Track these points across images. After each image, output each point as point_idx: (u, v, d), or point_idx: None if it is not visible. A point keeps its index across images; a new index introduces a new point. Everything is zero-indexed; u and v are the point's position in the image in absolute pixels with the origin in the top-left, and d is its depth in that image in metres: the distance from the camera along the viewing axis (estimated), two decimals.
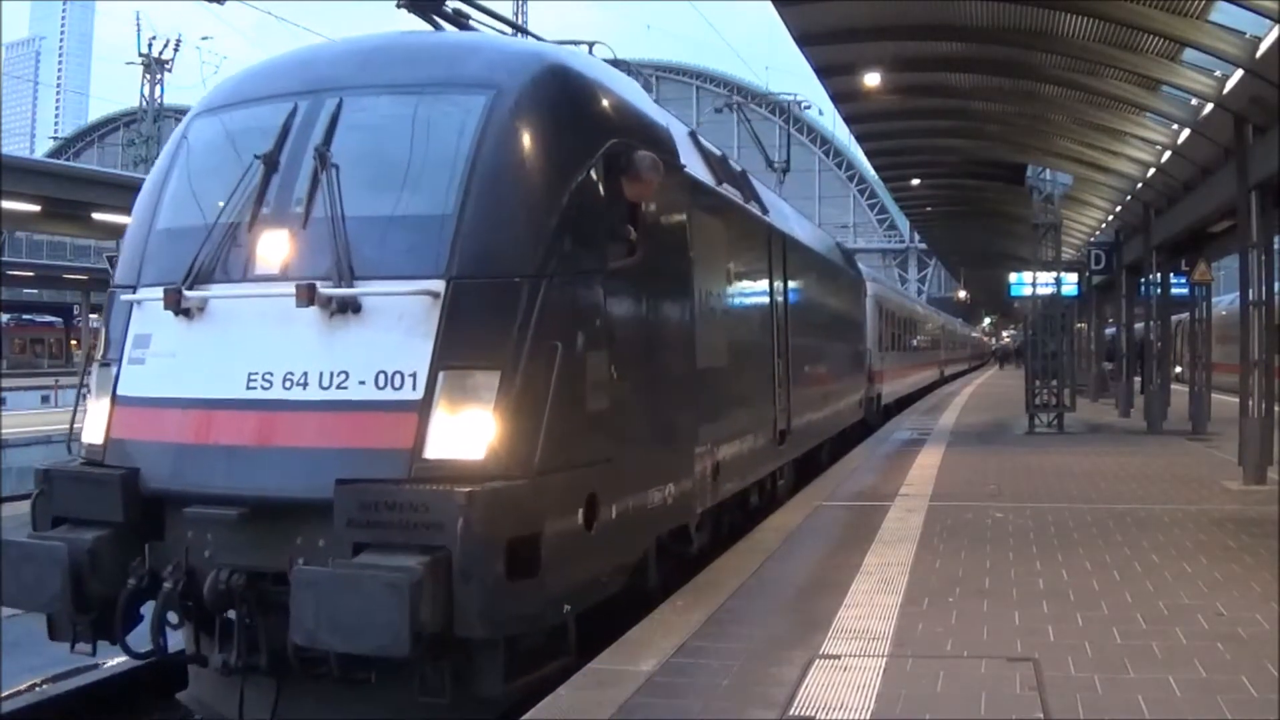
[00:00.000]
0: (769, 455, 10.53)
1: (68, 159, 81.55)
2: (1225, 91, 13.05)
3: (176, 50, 52.77)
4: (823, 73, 16.33)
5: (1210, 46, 12.13)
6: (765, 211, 11.06)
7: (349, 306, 5.56)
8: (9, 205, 24.78)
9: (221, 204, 6.06)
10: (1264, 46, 11.36)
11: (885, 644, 5.90)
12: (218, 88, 7.03)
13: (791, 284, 11.99)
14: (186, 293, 5.83)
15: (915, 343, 34.39)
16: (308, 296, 5.49)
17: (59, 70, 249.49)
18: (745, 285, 9.83)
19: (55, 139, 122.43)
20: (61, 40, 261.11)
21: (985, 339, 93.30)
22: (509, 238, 5.75)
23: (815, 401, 13.56)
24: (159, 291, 5.90)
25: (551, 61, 6.50)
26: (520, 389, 5.43)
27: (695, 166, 8.33)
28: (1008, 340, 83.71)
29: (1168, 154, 17.27)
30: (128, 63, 53.55)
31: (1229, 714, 4.72)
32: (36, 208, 26.98)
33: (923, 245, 68.45)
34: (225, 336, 5.80)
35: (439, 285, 5.52)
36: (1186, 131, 15.60)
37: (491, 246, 5.70)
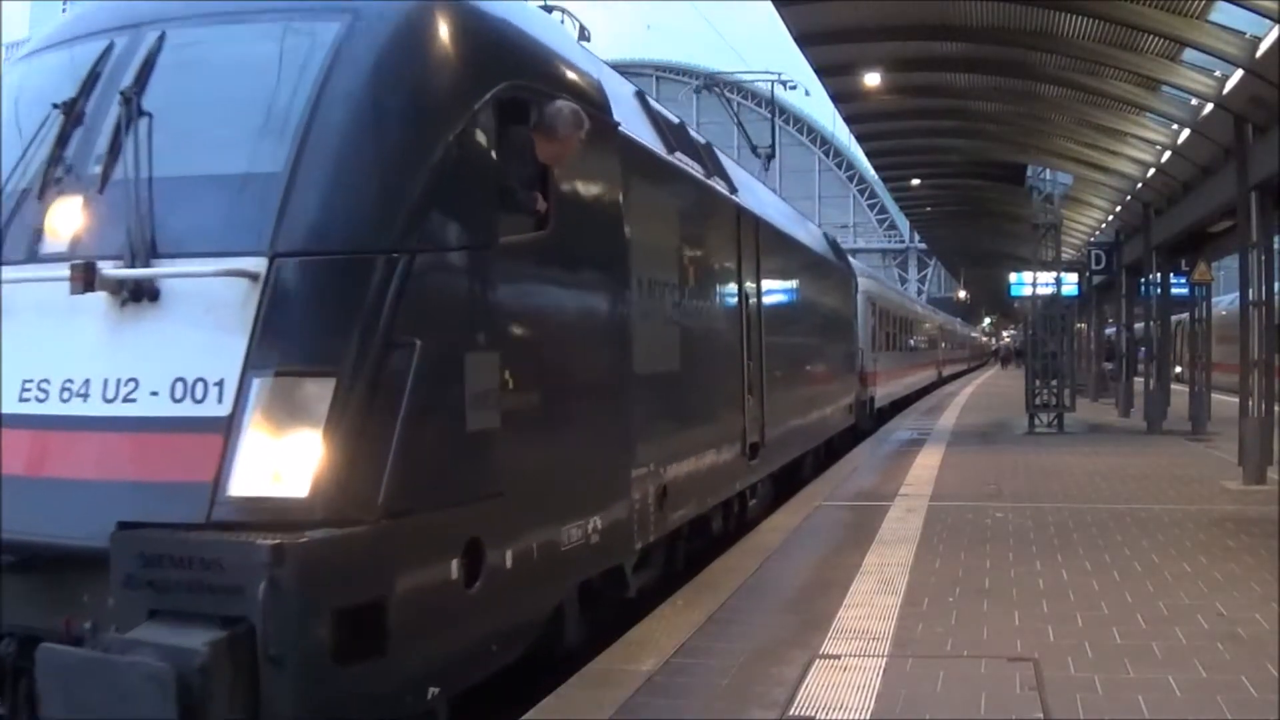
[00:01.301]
0: (736, 472, 9.24)
1: None
2: (1225, 91, 13.05)
3: None
4: (823, 73, 16.35)
5: (1210, 46, 12.14)
6: (733, 190, 9.61)
7: (144, 293, 4.29)
8: None
9: (13, 166, 4.83)
10: (1264, 46, 11.37)
11: (885, 644, 5.89)
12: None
13: (767, 275, 10.57)
14: None
15: (912, 342, 33.13)
16: (84, 280, 4.20)
17: None
18: (704, 274, 8.36)
19: None
20: None
21: (985, 339, 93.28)
22: (355, 202, 4.43)
23: (796, 408, 12.38)
24: None
25: None
26: (362, 402, 4.12)
27: (638, 128, 6.99)
28: (1008, 340, 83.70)
29: (1168, 154, 17.27)
30: None
31: (1229, 714, 4.71)
32: None
33: (923, 245, 68.45)
34: (3, 333, 4.56)
35: (258, 264, 4.21)
36: (1186, 131, 15.61)
37: (331, 213, 4.39)
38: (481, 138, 4.83)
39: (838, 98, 17.99)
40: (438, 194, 4.57)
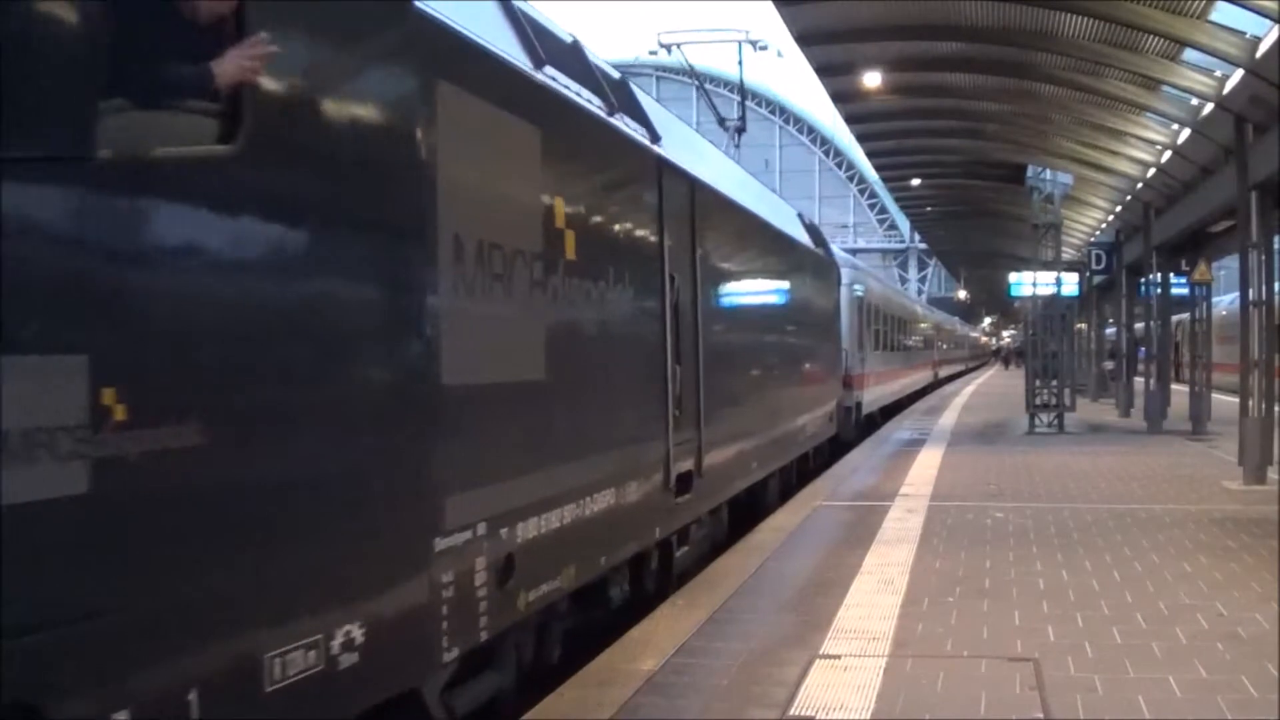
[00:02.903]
0: (654, 516, 7.01)
1: None
2: (1225, 91, 13.05)
3: None
4: (822, 73, 16.36)
5: (1210, 46, 12.14)
6: (654, 139, 7.35)
7: None
8: None
9: None
10: (1264, 46, 11.37)
11: (885, 644, 5.89)
12: None
13: (710, 256, 8.57)
14: None
15: (905, 341, 30.89)
16: None
17: None
18: (597, 247, 6.04)
19: None
20: None
21: (985, 339, 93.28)
22: None
23: (753, 423, 10.22)
24: None
25: None
26: None
27: (472, 20, 4.80)
28: (1008, 340, 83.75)
29: (1168, 154, 17.27)
30: None
31: (1229, 714, 4.71)
32: None
33: (923, 245, 68.48)
34: None
35: None
36: (1186, 131, 15.61)
37: None
38: None
39: (838, 98, 17.98)
40: None
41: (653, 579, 7.45)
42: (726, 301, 9.40)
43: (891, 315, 26.59)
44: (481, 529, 4.52)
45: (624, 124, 6.82)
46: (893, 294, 30.86)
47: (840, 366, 17.56)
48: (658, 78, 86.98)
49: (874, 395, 22.38)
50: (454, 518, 4.30)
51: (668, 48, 17.18)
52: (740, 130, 17.69)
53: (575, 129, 6.02)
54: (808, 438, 13.78)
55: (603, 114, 6.43)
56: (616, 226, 6.57)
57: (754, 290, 10.93)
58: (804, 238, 14.57)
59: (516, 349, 5.08)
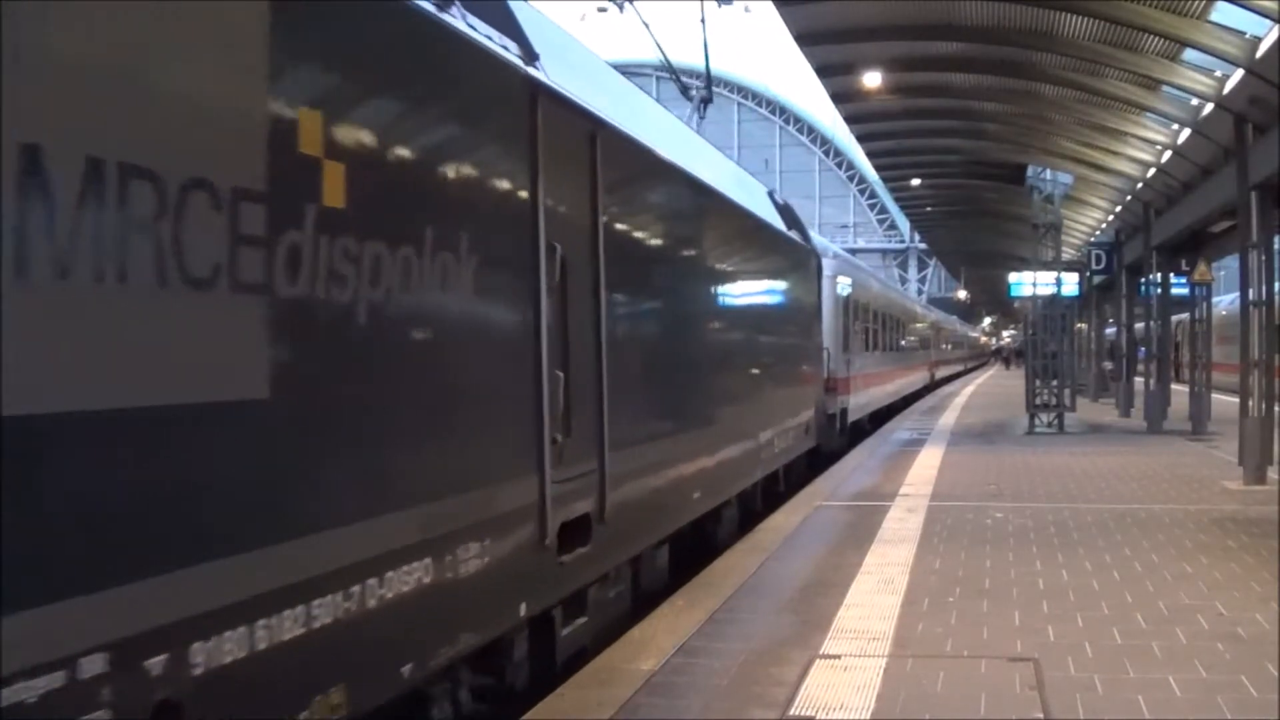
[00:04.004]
0: (517, 586, 4.98)
1: None
2: (1225, 91, 13.06)
3: None
4: (822, 73, 16.37)
5: (1210, 46, 12.14)
6: (530, 58, 5.39)
7: None
8: None
9: None
10: (1264, 46, 11.37)
11: (885, 644, 5.89)
12: None
13: (628, 228, 6.72)
14: None
15: (898, 341, 28.70)
16: None
17: None
18: (397, 196, 4.13)
19: None
20: None
21: (985, 339, 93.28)
22: None
23: (694, 443, 8.13)
24: None
25: None
26: None
27: None
28: (1009, 340, 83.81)
29: (1168, 154, 17.28)
30: None
31: (1229, 714, 4.71)
32: None
33: (923, 245, 68.50)
34: None
35: None
36: (1186, 131, 15.61)
37: None
38: None
39: (838, 98, 17.99)
40: None
41: (522, 671, 5.29)
42: (656, 289, 7.40)
43: (882, 312, 24.46)
44: (92, 665, 2.61)
45: (460, 21, 4.67)
46: (883, 289, 27.78)
47: (822, 369, 15.66)
48: (658, 78, 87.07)
49: (862, 400, 20.32)
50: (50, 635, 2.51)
51: (619, 4, 13.83)
52: (705, 101, 14.83)
53: (348, 11, 3.85)
54: (777, 454, 11.66)
55: (433, 8, 4.42)
56: (438, 167, 4.43)
57: (699, 276, 8.73)
58: (775, 220, 12.52)
59: (201, 351, 3.05)
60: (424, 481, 4.22)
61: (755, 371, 10.89)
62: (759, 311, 11.22)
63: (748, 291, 10.68)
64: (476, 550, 4.54)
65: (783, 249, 12.63)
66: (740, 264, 10.34)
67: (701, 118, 14.44)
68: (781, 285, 12.54)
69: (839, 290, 17.89)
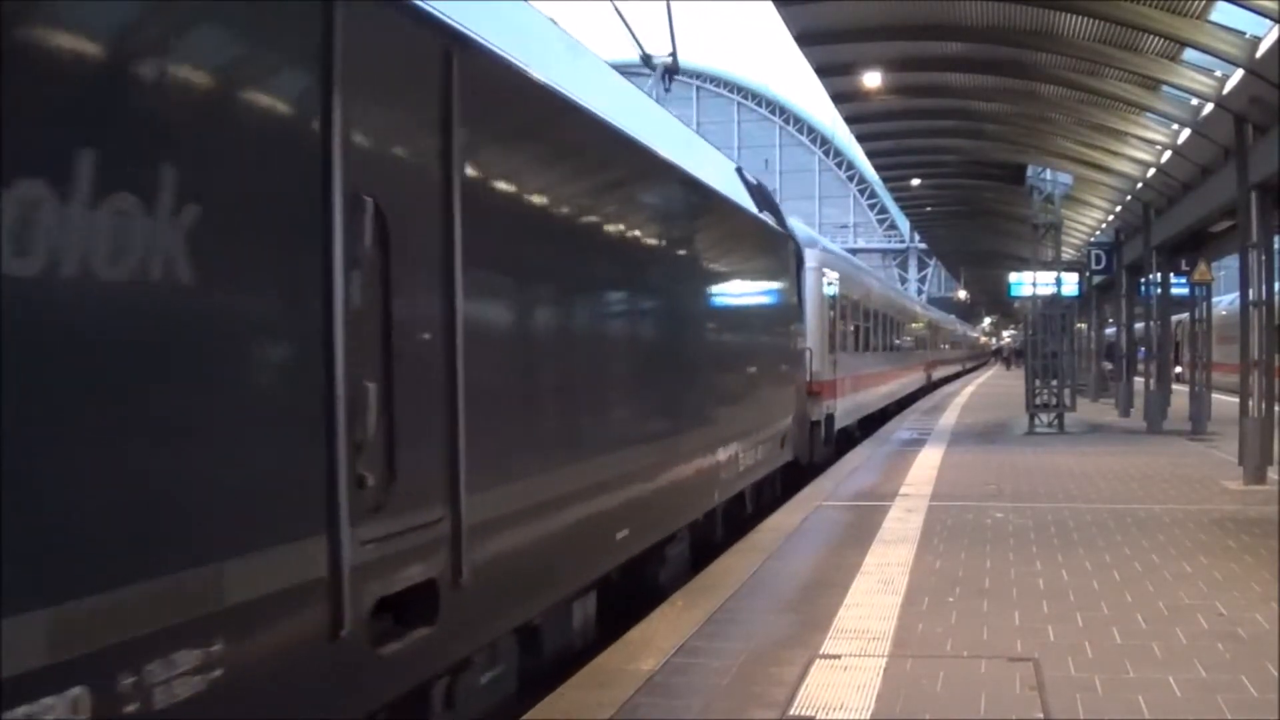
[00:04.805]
0: (295, 700, 3.33)
1: None
2: (1225, 91, 13.06)
3: None
4: (822, 73, 16.37)
5: (1210, 46, 12.15)
6: None
7: None
8: None
9: None
10: (1264, 46, 11.38)
11: (885, 644, 5.89)
12: None
13: (501, 185, 4.98)
14: None
15: (893, 340, 27.09)
16: None
17: None
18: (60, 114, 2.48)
19: None
20: None
21: (985, 339, 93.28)
22: None
23: (611, 473, 6.17)
24: None
25: None
26: None
27: None
28: (1009, 340, 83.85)
29: (1168, 154, 17.28)
30: None
31: (1229, 714, 4.71)
32: None
33: (923, 245, 68.52)
34: None
35: None
36: (1186, 131, 15.61)
37: None
38: None
39: (838, 98, 18.00)
40: None
41: None
42: (559, 269, 5.61)
43: (874, 309, 22.81)
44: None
45: None
46: (875, 284, 25.60)
47: (803, 371, 13.98)
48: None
49: (851, 405, 18.60)
50: None
51: None
52: (671, 72, 12.49)
53: None
54: (741, 473, 9.74)
55: None
56: (132, 67, 2.77)
57: (626, 257, 6.88)
58: (743, 199, 10.69)
59: None
60: (87, 563, 2.56)
61: (708, 376, 8.85)
62: (713, 304, 9.16)
63: (696, 278, 8.69)
64: (193, 663, 2.82)
65: (750, 231, 10.86)
66: (687, 244, 8.37)
67: (667, 89, 12.44)
68: (747, 274, 10.73)
69: (824, 284, 16.21)
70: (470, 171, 4.50)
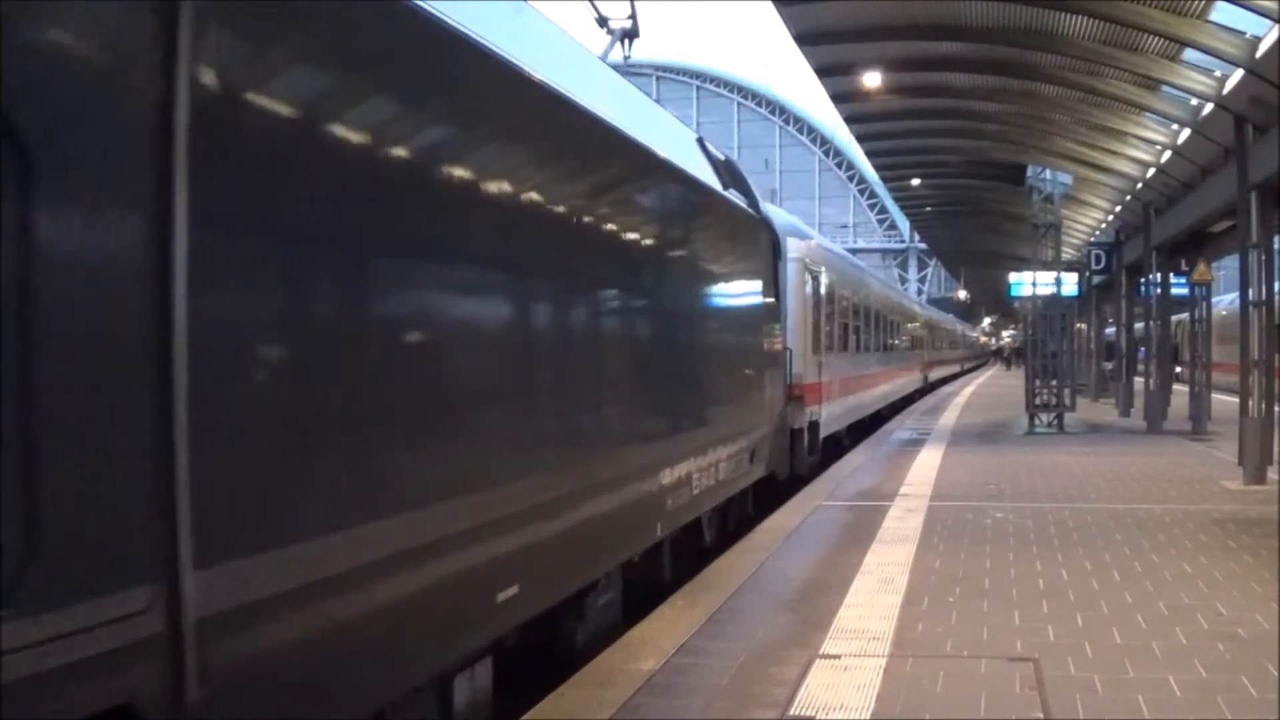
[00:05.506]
0: None
1: None
2: (1225, 91, 13.05)
3: None
4: (822, 73, 16.36)
5: (1210, 46, 12.14)
6: None
7: None
8: None
9: None
10: (1264, 46, 11.37)
11: (885, 644, 5.89)
12: None
13: (340, 124, 3.55)
14: None
15: (887, 340, 25.53)
16: None
17: None
18: None
19: None
20: None
21: (985, 339, 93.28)
22: None
23: (486, 514, 4.50)
24: None
25: None
26: None
27: None
28: (1009, 340, 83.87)
29: (1168, 154, 17.28)
30: None
31: (1229, 714, 4.72)
32: None
33: (923, 245, 68.50)
34: None
35: None
36: (1186, 131, 15.61)
37: None
38: None
39: (838, 98, 17.98)
40: None
41: None
42: (406, 242, 4.03)
43: (866, 306, 21.27)
44: None
45: None
46: (866, 279, 23.88)
47: (783, 374, 12.54)
48: (658, 78, 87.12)
49: (838, 410, 17.01)
50: None
51: None
52: (630, 35, 10.62)
53: None
54: (698, 496, 8.27)
55: None
56: None
57: (518, 229, 5.09)
58: (704, 173, 9.07)
59: None
60: None
61: (649, 382, 7.27)
62: (651, 292, 7.44)
63: (651, 268, 7.43)
64: None
65: (721, 218, 9.39)
66: (614, 219, 6.67)
67: (626, 56, 10.63)
68: (720, 266, 9.37)
69: (808, 278, 14.46)
70: (298, 110, 3.35)
